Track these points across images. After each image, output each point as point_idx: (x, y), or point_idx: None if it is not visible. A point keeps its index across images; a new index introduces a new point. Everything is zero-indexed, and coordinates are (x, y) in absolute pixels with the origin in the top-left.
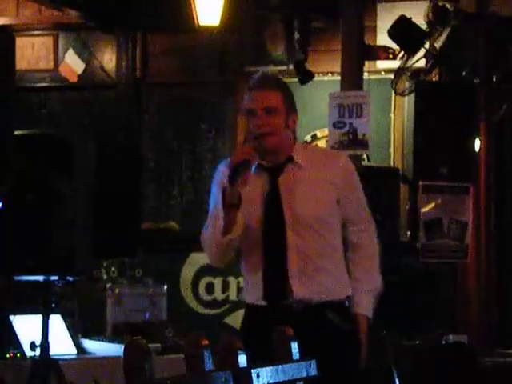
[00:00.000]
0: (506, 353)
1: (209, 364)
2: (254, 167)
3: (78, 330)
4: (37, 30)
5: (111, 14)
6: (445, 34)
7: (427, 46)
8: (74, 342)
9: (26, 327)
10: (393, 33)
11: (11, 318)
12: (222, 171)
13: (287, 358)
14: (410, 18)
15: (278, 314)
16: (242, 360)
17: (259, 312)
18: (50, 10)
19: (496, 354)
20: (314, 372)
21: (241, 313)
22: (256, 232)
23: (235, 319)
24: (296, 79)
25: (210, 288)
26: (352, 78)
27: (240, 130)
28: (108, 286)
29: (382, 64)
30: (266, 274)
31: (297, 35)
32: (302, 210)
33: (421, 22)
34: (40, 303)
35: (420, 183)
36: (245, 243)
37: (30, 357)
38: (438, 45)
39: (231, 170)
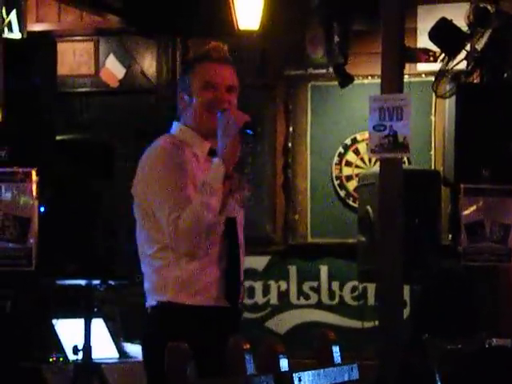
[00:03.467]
0: None
1: (251, 368)
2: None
3: (119, 334)
4: (78, 35)
5: (152, 19)
6: (486, 36)
7: (468, 47)
8: (116, 345)
9: (69, 331)
10: (433, 35)
11: (54, 322)
12: (173, 147)
13: (329, 361)
14: (451, 19)
15: (231, 318)
16: (284, 364)
17: (211, 314)
18: (90, 16)
19: None
20: (355, 376)
21: (282, 317)
22: None
23: (276, 323)
24: (336, 82)
25: (250, 292)
26: (392, 81)
27: (279, 134)
28: None
29: (422, 66)
30: (227, 273)
31: (336, 38)
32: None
33: (461, 23)
34: (82, 307)
35: (461, 186)
36: None
37: (73, 361)
38: (479, 47)
39: (241, 133)
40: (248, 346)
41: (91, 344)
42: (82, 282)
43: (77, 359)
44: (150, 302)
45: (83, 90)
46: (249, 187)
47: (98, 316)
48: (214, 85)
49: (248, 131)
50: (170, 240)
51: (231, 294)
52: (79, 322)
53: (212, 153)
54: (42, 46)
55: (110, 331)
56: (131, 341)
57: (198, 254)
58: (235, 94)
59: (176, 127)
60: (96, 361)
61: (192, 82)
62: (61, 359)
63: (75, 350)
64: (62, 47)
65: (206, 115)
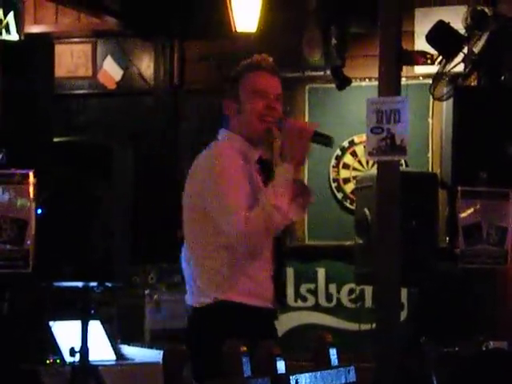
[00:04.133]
0: None
1: (247, 370)
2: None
3: (116, 336)
4: (75, 37)
5: (149, 22)
6: (483, 39)
7: (465, 50)
8: (113, 347)
9: (66, 333)
10: (431, 38)
11: (51, 324)
12: (235, 153)
13: (326, 364)
14: (448, 22)
15: (274, 320)
16: (281, 366)
17: (262, 315)
18: (88, 18)
19: None
20: (352, 378)
21: (279, 319)
22: None
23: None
24: (333, 85)
25: None
26: (390, 84)
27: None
28: (146, 292)
29: (419, 69)
30: (276, 275)
31: (334, 41)
32: None
33: (459, 26)
34: (79, 309)
35: (459, 188)
36: None
37: (70, 363)
38: (476, 49)
39: (313, 141)
40: (245, 349)
41: (88, 346)
42: (79, 284)
43: (74, 361)
44: (204, 299)
45: (81, 91)
46: (312, 193)
47: (95, 318)
48: (265, 93)
49: (323, 139)
50: (234, 240)
51: (279, 295)
52: (76, 324)
53: (260, 161)
54: (40, 47)
55: (107, 333)
56: (128, 343)
57: (258, 254)
58: (281, 103)
59: (225, 135)
60: (93, 363)
61: (242, 91)
62: (58, 361)
63: (72, 352)
64: (59, 49)
65: (258, 123)
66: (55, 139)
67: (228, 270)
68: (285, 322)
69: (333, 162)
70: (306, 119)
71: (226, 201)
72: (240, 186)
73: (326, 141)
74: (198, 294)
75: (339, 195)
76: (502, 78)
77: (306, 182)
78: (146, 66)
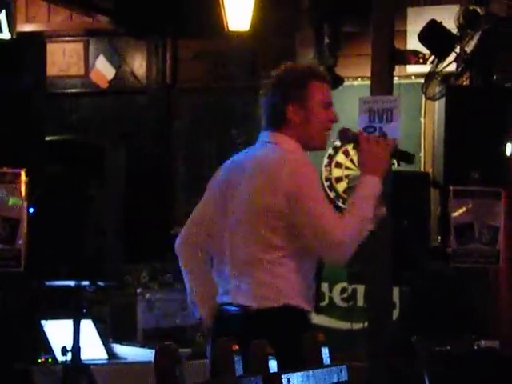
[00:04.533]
0: None
1: (239, 369)
2: None
3: (109, 335)
4: (68, 36)
5: (141, 20)
6: (476, 38)
7: (458, 50)
8: (105, 347)
9: (58, 332)
10: (423, 37)
11: (43, 323)
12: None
13: (318, 363)
14: (441, 22)
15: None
16: (273, 365)
17: (307, 318)
18: (80, 17)
19: None
20: (344, 377)
21: None
22: None
23: None
24: None
25: None
26: (382, 83)
27: None
28: (139, 291)
29: (412, 68)
30: (317, 282)
31: (326, 40)
32: None
33: (451, 26)
34: (71, 308)
35: (451, 188)
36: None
37: (62, 362)
38: (468, 49)
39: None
40: (237, 348)
41: (80, 345)
42: (71, 283)
43: (66, 360)
44: (270, 303)
45: (73, 90)
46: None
47: (87, 317)
48: (328, 105)
49: (404, 155)
50: (321, 248)
51: (317, 301)
52: (68, 323)
53: None
54: (32, 46)
55: (99, 332)
56: (120, 342)
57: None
58: None
59: (288, 140)
60: (85, 362)
61: (311, 99)
62: (50, 360)
63: (64, 351)
64: (51, 48)
65: (323, 135)
66: (47, 138)
67: (295, 276)
68: None
69: (325, 161)
70: None
71: (323, 220)
72: (326, 199)
73: (407, 157)
74: (260, 296)
75: (332, 194)
76: (494, 77)
77: None
78: (138, 64)
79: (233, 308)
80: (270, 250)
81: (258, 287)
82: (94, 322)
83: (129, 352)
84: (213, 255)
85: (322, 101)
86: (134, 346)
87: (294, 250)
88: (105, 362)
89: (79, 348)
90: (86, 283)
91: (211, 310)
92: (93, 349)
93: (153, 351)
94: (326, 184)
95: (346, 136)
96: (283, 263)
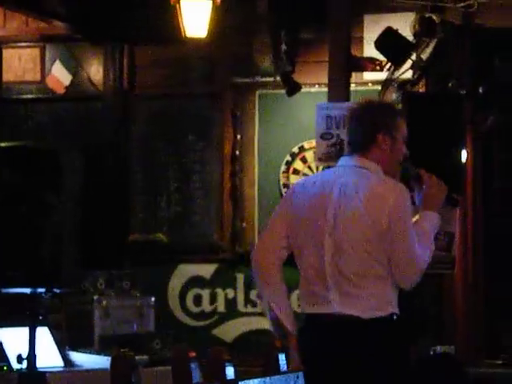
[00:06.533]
0: (493, 363)
1: (196, 376)
2: None
3: (65, 343)
4: (24, 41)
5: (98, 26)
6: (431, 46)
7: (414, 57)
8: (62, 354)
9: (13, 340)
10: (379, 44)
11: None
12: None
13: (275, 369)
14: (397, 29)
15: None
16: (230, 372)
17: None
18: (36, 22)
19: (483, 365)
20: (301, 383)
21: (229, 325)
22: None
23: (223, 331)
24: (283, 91)
25: (197, 300)
26: (339, 90)
27: (227, 141)
28: (95, 298)
29: (368, 75)
30: None
31: (284, 46)
32: None
33: (407, 33)
34: (27, 315)
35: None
36: None
37: (17, 369)
38: (424, 56)
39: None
40: (194, 355)
41: (36, 353)
42: (27, 290)
43: (21, 368)
44: (378, 312)
45: (29, 96)
46: None
47: (43, 324)
48: (405, 141)
49: (453, 198)
50: (404, 271)
51: None
52: (24, 331)
53: None
54: None
55: (55, 340)
56: (76, 349)
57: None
58: None
59: (377, 167)
60: (41, 369)
61: (398, 131)
62: (5, 368)
63: (19, 359)
64: (7, 53)
65: (397, 167)
66: (2, 144)
67: (392, 288)
68: (235, 328)
69: (283, 167)
70: (257, 125)
71: (413, 248)
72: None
73: (454, 201)
74: (369, 307)
75: None
76: (450, 84)
77: (256, 187)
78: (95, 70)
79: (342, 318)
80: (378, 265)
81: (367, 298)
82: (50, 329)
83: (85, 359)
84: (299, 267)
85: (404, 135)
86: (90, 353)
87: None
88: (61, 369)
89: (35, 356)
90: (41, 290)
91: (295, 322)
92: (49, 356)
93: (109, 358)
94: (284, 190)
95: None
96: (384, 276)
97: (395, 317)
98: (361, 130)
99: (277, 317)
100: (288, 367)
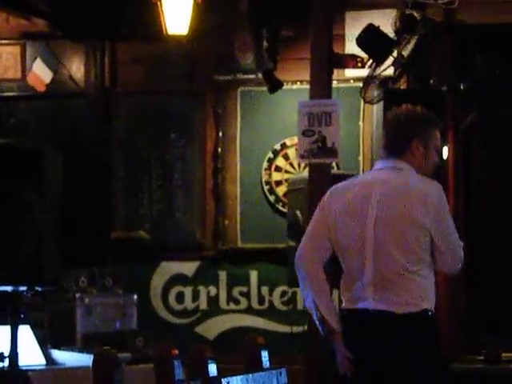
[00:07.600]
0: (474, 359)
1: (179, 373)
2: None
3: (47, 341)
4: (4, 39)
5: (79, 23)
6: (412, 43)
7: (395, 54)
8: (43, 352)
9: None
10: (361, 41)
11: None
12: None
13: (258, 366)
14: (378, 26)
15: None
16: (213, 369)
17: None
18: (17, 19)
19: (465, 361)
20: (284, 380)
21: (211, 322)
22: None
23: (206, 328)
24: (265, 88)
25: (180, 297)
26: (321, 87)
27: (209, 139)
28: (77, 295)
29: (350, 72)
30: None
31: (265, 44)
32: None
33: (389, 30)
34: (8, 314)
35: None
36: None
37: None
38: (405, 53)
39: None
40: (176, 352)
41: (18, 351)
42: (8, 289)
43: (3, 366)
44: (412, 308)
45: (10, 94)
46: None
47: (24, 322)
48: (438, 151)
49: None
50: (450, 261)
51: None
52: (5, 329)
53: None
54: None
55: (37, 338)
56: (59, 347)
57: None
58: None
59: (412, 168)
60: (22, 368)
61: (432, 141)
62: None
63: (1, 358)
64: None
65: (430, 172)
66: None
67: (431, 285)
68: (217, 325)
69: (265, 164)
70: (238, 122)
71: (455, 239)
72: None
73: None
74: (404, 302)
75: (271, 198)
76: (431, 81)
77: (238, 184)
78: (76, 68)
79: (376, 313)
80: (418, 261)
81: (406, 294)
82: (31, 327)
83: (67, 357)
84: (344, 267)
85: (437, 146)
86: (72, 351)
87: (430, 263)
88: (43, 367)
89: (17, 354)
90: (23, 288)
91: (338, 320)
92: (31, 355)
93: (91, 356)
94: (266, 188)
95: None
96: (425, 275)
97: (430, 313)
98: (397, 136)
99: (322, 315)
100: (336, 365)
